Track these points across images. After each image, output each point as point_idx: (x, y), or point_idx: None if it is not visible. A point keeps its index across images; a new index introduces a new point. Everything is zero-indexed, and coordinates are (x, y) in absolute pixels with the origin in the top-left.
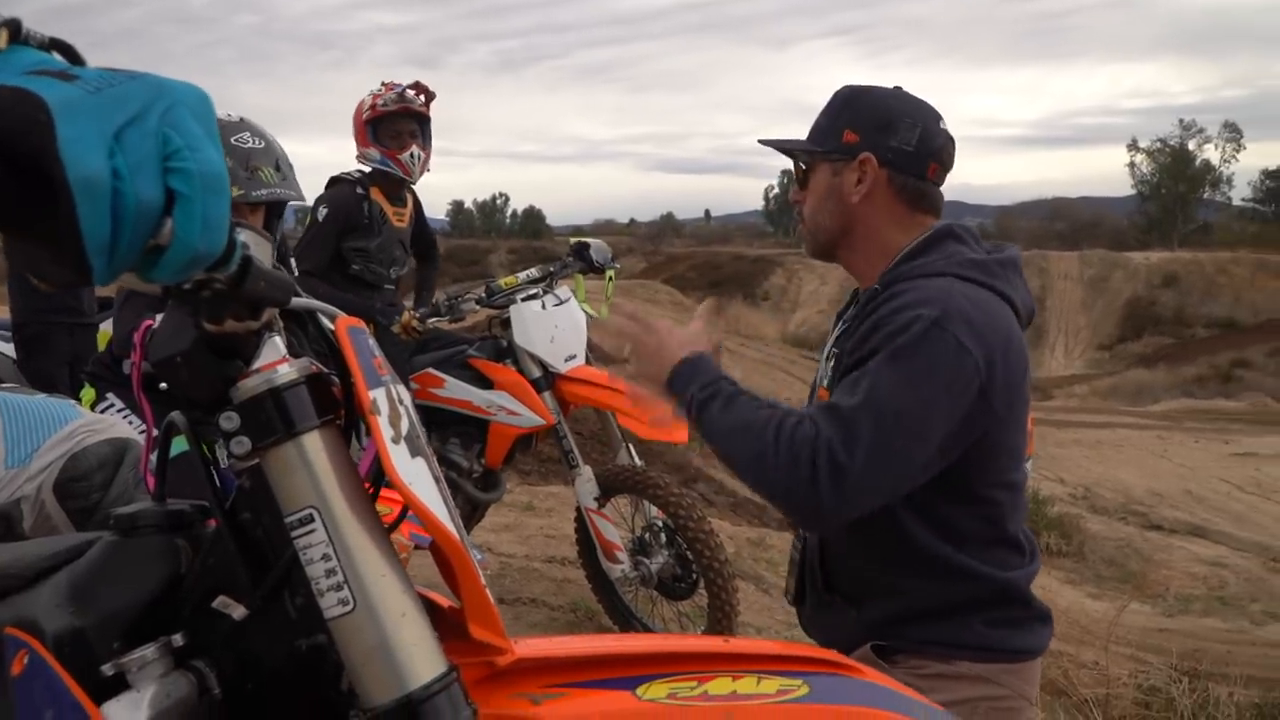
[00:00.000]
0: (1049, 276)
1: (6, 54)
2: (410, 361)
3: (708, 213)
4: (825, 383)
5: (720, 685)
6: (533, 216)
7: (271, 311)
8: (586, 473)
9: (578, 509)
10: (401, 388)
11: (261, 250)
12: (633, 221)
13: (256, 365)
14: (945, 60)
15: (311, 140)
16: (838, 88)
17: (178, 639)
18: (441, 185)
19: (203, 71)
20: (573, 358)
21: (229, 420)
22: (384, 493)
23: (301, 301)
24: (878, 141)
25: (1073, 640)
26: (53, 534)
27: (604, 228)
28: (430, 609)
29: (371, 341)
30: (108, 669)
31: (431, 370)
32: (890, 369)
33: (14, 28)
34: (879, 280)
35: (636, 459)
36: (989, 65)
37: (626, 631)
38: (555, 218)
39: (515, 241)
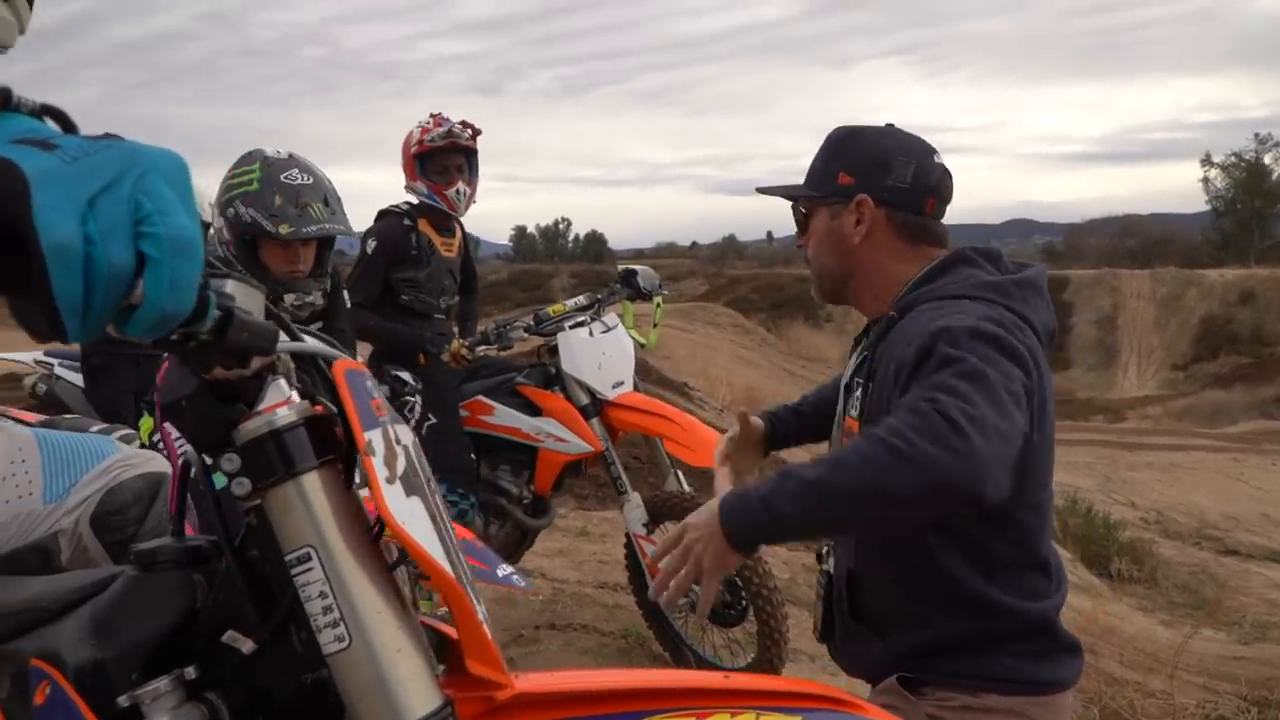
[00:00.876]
0: (1120, 295)
1: None
2: (460, 389)
3: (770, 234)
4: (854, 413)
5: None
6: (594, 240)
7: (266, 359)
8: (635, 499)
9: (627, 535)
10: (401, 427)
11: (251, 301)
12: (694, 244)
13: (259, 408)
14: (1009, 77)
15: (372, 169)
16: (831, 130)
17: (190, 671)
18: (504, 211)
19: (269, 103)
20: (620, 384)
21: (229, 462)
22: None
23: (298, 345)
24: (872, 181)
25: (1141, 668)
26: (91, 566)
27: (665, 250)
28: (440, 641)
29: (370, 383)
30: (123, 700)
31: (481, 398)
32: (950, 348)
33: (3, 96)
34: (894, 306)
35: (685, 485)
36: (1054, 81)
37: (678, 659)
38: (617, 241)
39: (577, 265)
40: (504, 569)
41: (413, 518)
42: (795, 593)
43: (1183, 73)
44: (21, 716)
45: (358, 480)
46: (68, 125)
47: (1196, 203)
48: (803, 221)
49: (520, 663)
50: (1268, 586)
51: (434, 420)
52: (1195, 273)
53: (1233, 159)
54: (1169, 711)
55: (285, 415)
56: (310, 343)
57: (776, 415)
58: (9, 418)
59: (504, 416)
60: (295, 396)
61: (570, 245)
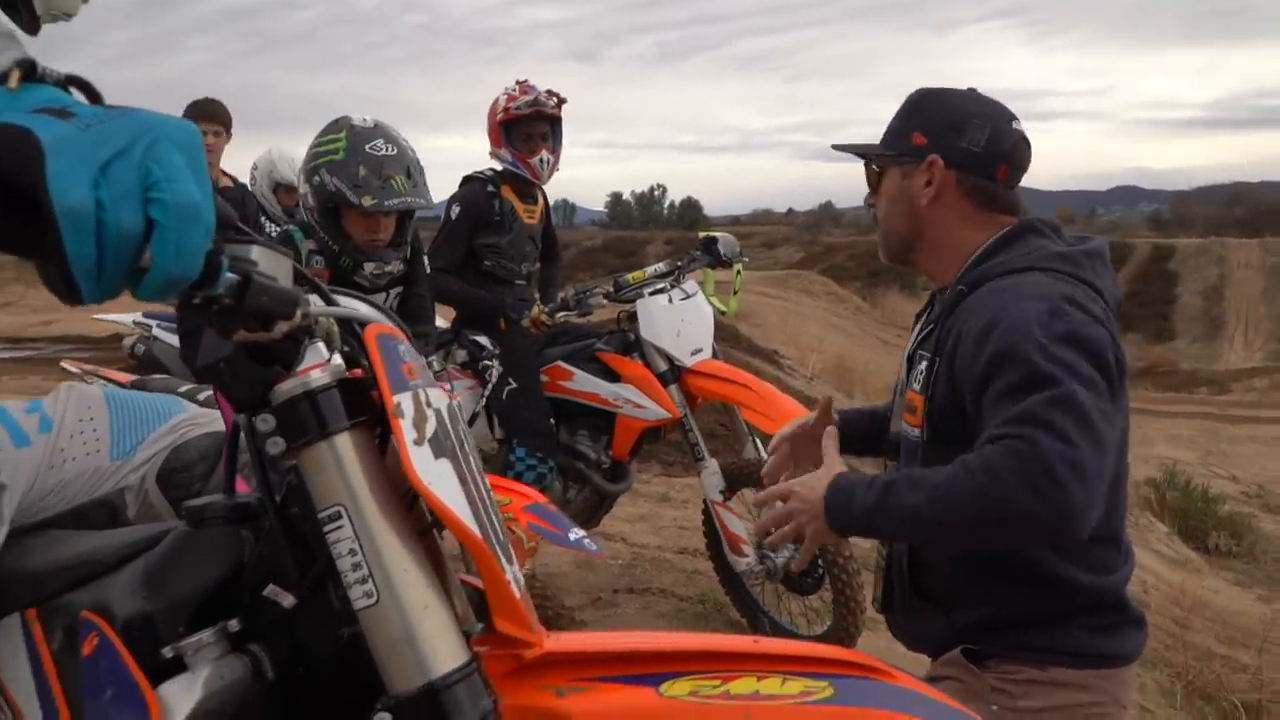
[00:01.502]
0: (1228, 265)
1: (19, 93)
2: (540, 354)
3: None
4: (917, 386)
5: (744, 685)
6: (690, 207)
7: (293, 323)
8: (712, 466)
9: (705, 501)
10: (435, 391)
11: (276, 266)
12: (790, 210)
13: (295, 370)
14: (1116, 41)
15: (472, 135)
16: (912, 91)
17: (234, 624)
18: (601, 177)
19: (371, 71)
20: (699, 351)
21: (264, 422)
22: (500, 483)
23: (330, 309)
24: (946, 143)
25: (1234, 643)
26: (157, 522)
27: (761, 217)
28: (482, 599)
29: (403, 347)
30: (167, 651)
31: (561, 363)
32: (1038, 357)
33: (27, 67)
34: (962, 280)
35: (764, 453)
36: (1163, 45)
37: (755, 625)
38: (712, 208)
39: (672, 232)
40: (576, 532)
41: (440, 479)
42: (873, 560)
43: None
44: (70, 667)
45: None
46: (92, 95)
47: None
48: (875, 180)
49: (596, 625)
50: None
51: (514, 385)
52: None
53: None
54: (1257, 686)
55: (319, 377)
56: (344, 306)
57: (849, 420)
58: (100, 377)
59: (583, 382)
60: (336, 359)
61: (666, 212)
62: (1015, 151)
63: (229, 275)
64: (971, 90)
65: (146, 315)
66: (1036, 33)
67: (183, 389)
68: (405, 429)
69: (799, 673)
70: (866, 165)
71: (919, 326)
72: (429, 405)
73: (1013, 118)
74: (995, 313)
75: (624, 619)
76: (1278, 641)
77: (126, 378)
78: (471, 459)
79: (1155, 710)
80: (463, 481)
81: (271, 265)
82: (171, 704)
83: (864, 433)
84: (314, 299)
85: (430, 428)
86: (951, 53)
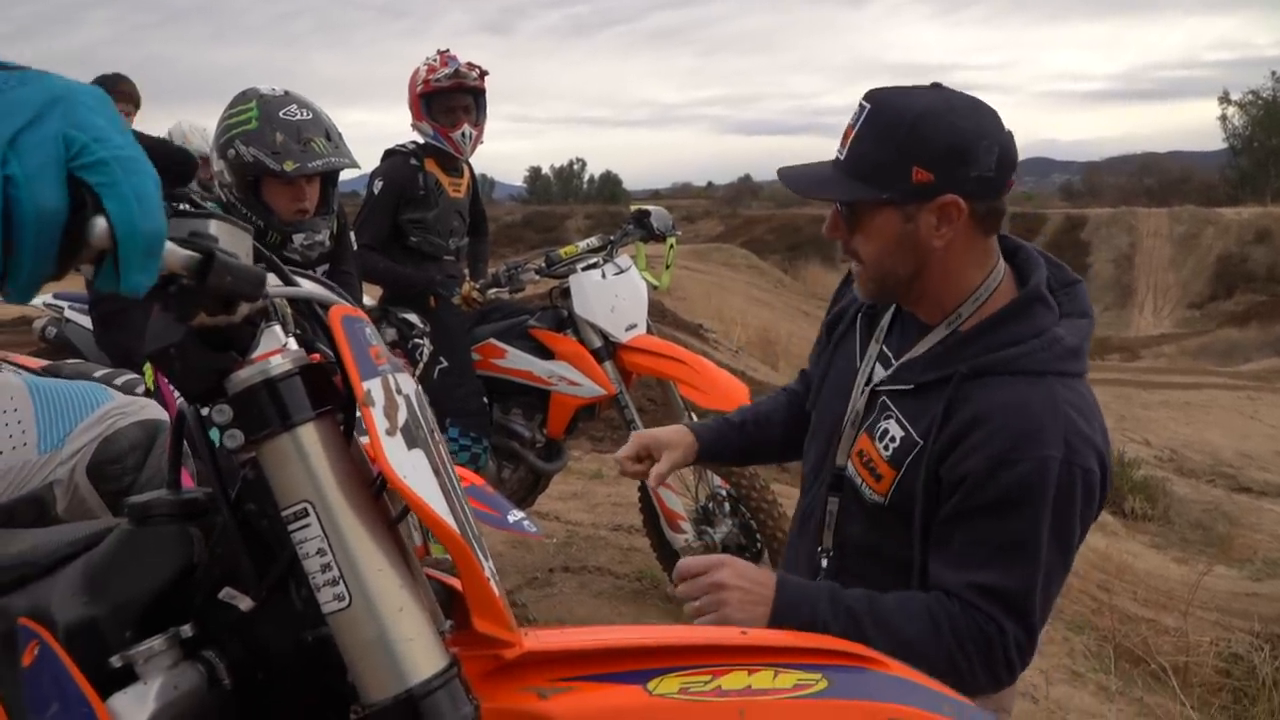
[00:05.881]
0: (1137, 234)
1: None
2: (471, 332)
3: None
4: (888, 454)
5: (735, 679)
6: (609, 181)
7: (255, 304)
8: None
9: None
10: (403, 376)
11: (237, 243)
12: (710, 184)
13: (252, 356)
14: (1022, 15)
15: (385, 109)
16: (864, 97)
17: (186, 630)
18: (518, 152)
19: (279, 43)
20: (634, 327)
21: (221, 413)
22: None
23: (292, 290)
24: (957, 176)
25: (1154, 605)
26: (87, 517)
27: (681, 191)
28: (447, 595)
29: (369, 330)
30: (116, 661)
31: (493, 341)
32: (1041, 530)
33: None
34: (962, 360)
35: None
36: (1066, 19)
37: None
38: (632, 182)
39: (592, 206)
40: (514, 514)
41: (415, 471)
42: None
43: (1193, 10)
44: (10, 678)
45: (357, 432)
46: None
47: (1214, 141)
48: (852, 219)
49: (534, 606)
50: (1279, 523)
51: (445, 364)
52: (1212, 211)
53: (1250, 97)
54: (1183, 649)
55: (279, 364)
56: (305, 287)
57: (708, 428)
58: (9, 363)
59: (516, 360)
60: (291, 344)
61: (585, 186)
62: (1015, 155)
63: (189, 253)
64: (938, 87)
65: (58, 296)
66: (945, 7)
67: (98, 374)
68: (377, 419)
69: (791, 664)
70: (840, 204)
71: (872, 339)
72: (399, 392)
73: (997, 114)
74: (1009, 447)
75: (560, 598)
76: (1200, 604)
77: (37, 363)
78: (442, 447)
79: (1086, 674)
80: (436, 473)
81: (232, 241)
82: (124, 717)
83: (733, 448)
84: (270, 278)
85: (402, 416)
86: (865, 27)
